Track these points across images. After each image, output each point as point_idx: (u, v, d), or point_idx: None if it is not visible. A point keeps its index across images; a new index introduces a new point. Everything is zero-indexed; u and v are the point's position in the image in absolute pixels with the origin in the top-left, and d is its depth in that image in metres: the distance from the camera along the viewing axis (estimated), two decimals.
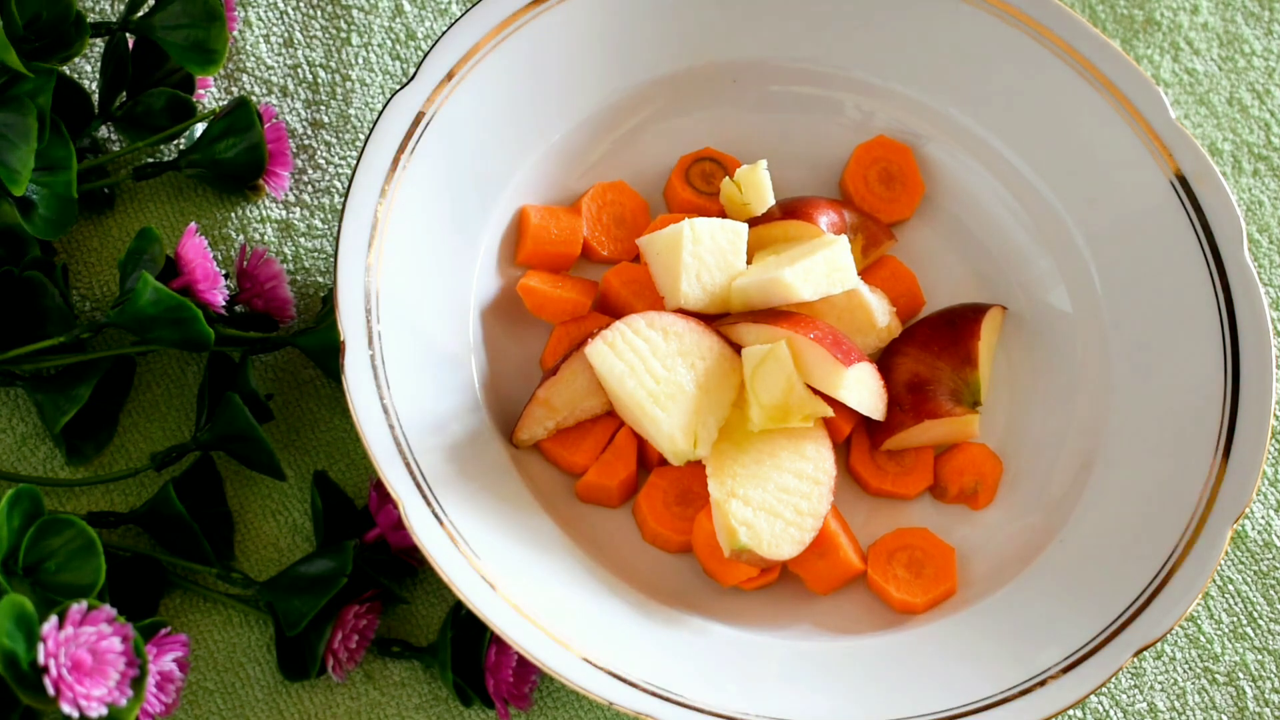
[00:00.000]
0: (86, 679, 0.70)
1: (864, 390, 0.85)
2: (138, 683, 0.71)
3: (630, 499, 0.87)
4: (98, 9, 0.97)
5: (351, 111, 0.97)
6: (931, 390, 0.87)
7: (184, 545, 0.84)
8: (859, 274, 0.90)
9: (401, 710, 0.84)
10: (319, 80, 0.97)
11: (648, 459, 0.87)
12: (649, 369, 0.83)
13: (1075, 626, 0.81)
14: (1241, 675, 0.89)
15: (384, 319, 0.83)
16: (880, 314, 0.88)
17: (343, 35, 0.99)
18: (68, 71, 0.95)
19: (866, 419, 0.88)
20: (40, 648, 0.69)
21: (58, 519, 0.75)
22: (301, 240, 0.93)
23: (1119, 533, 0.84)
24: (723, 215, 0.91)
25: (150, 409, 0.89)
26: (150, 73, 0.93)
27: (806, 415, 0.83)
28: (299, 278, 0.92)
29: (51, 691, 0.69)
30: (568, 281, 0.89)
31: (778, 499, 0.82)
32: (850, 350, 0.84)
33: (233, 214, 0.93)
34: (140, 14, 0.90)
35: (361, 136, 0.96)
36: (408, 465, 0.80)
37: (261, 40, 0.98)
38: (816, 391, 0.85)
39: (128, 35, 0.91)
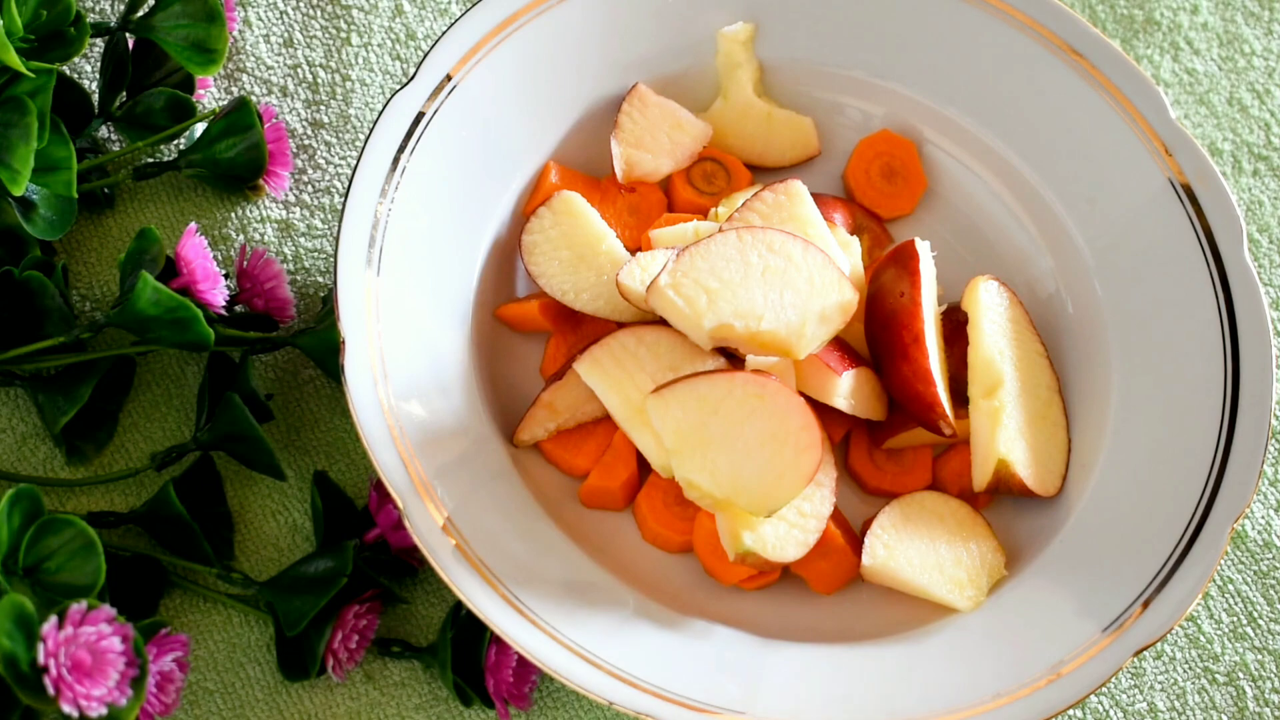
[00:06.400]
0: (86, 679, 0.70)
1: (859, 395, 0.85)
2: (138, 683, 0.71)
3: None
4: (98, 9, 0.97)
5: (351, 111, 0.97)
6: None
7: (184, 545, 0.84)
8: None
9: (401, 710, 0.84)
10: (319, 80, 0.97)
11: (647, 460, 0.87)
12: (637, 384, 0.83)
13: (1075, 626, 0.81)
14: (1241, 675, 0.89)
15: (384, 319, 0.83)
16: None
17: (343, 35, 0.99)
18: (68, 71, 0.95)
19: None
20: (40, 648, 0.69)
21: (58, 519, 0.75)
22: (301, 240, 0.93)
23: (1119, 533, 0.84)
24: None
25: (150, 409, 0.89)
26: (150, 73, 0.93)
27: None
28: (299, 278, 0.92)
29: (51, 691, 0.69)
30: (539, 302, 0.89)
31: None
32: (845, 356, 0.84)
33: (233, 214, 0.93)
34: (140, 14, 0.90)
35: (361, 136, 0.96)
36: (408, 465, 0.80)
37: (261, 40, 0.98)
38: (812, 400, 0.85)
39: (128, 35, 0.91)
